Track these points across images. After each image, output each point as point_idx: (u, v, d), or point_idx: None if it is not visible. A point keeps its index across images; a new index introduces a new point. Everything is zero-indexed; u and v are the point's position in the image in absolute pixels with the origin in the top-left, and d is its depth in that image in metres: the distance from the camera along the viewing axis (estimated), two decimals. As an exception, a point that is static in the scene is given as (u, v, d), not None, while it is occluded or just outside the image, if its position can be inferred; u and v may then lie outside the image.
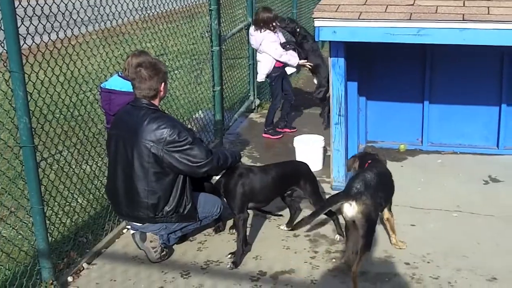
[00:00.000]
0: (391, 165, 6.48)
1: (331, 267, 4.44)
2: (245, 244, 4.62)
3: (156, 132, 4.24)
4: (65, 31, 4.54)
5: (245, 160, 6.78)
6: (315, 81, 7.84)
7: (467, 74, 6.71)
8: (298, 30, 7.72)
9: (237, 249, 4.54)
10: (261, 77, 7.68)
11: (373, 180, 4.29)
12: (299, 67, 7.93)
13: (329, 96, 6.10)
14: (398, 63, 6.84)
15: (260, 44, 7.45)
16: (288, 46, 7.57)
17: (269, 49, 7.41)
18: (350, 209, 4.12)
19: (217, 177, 4.66)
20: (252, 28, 7.58)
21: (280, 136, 7.60)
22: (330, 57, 5.54)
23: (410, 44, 5.30)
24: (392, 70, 6.88)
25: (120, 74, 4.96)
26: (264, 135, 7.61)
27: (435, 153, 6.82)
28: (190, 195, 4.49)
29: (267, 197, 4.79)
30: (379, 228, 5.02)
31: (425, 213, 5.32)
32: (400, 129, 7.02)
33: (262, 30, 7.39)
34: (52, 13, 4.44)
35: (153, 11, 6.22)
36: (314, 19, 5.27)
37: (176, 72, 7.99)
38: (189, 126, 6.92)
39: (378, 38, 5.25)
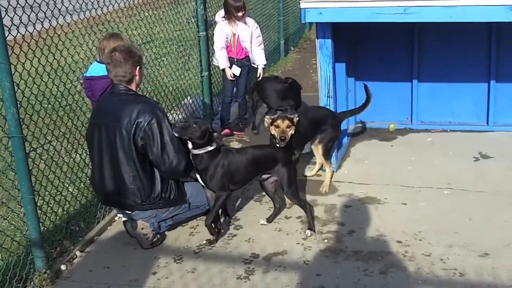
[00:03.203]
0: (381, 145, 6.56)
1: (323, 248, 4.45)
2: (216, 220, 4.64)
3: (135, 118, 4.21)
4: (50, 20, 4.51)
5: (235, 145, 6.79)
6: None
7: (455, 51, 6.71)
8: None
9: (207, 216, 4.56)
10: (222, 63, 6.95)
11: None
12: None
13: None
14: (386, 43, 6.84)
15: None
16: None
17: (215, 36, 6.92)
18: None
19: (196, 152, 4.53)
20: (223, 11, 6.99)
21: (245, 131, 7.15)
22: (317, 38, 5.53)
23: (397, 23, 5.30)
24: (380, 50, 6.88)
25: (98, 60, 4.96)
26: (223, 132, 6.99)
27: (425, 132, 6.84)
28: (176, 183, 4.49)
29: (243, 179, 4.72)
30: (372, 207, 5.06)
31: (416, 191, 5.34)
32: (389, 108, 7.03)
33: (221, 17, 6.93)
34: (36, 3, 4.41)
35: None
36: (300, 1, 5.25)
37: (163, 59, 7.95)
38: (178, 112, 6.92)
39: (364, 18, 5.24)
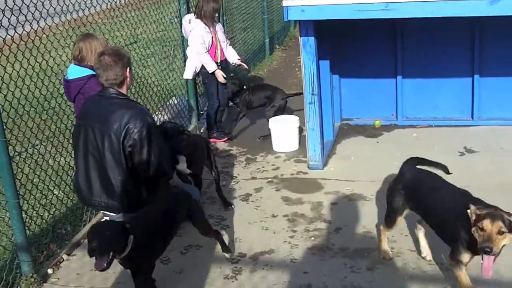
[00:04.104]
0: (367, 141, 6.57)
1: (310, 245, 4.46)
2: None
3: (126, 124, 4.19)
4: (30, 23, 4.49)
5: (222, 144, 6.79)
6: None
7: (439, 47, 6.74)
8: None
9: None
10: (187, 73, 6.84)
11: None
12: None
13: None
14: (370, 40, 6.86)
15: (189, 35, 6.74)
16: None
17: (193, 41, 6.65)
18: None
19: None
20: (192, 15, 6.76)
21: (226, 138, 6.94)
22: (300, 36, 5.54)
23: (380, 19, 5.32)
24: (364, 47, 6.90)
25: (75, 63, 4.94)
26: (211, 140, 6.74)
27: (410, 127, 6.87)
28: (163, 184, 4.48)
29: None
30: (358, 204, 5.07)
31: (402, 187, 5.35)
32: (374, 105, 7.05)
33: (195, 19, 6.65)
34: (17, 6, 4.38)
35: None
36: (282, -1, 5.26)
37: (148, 60, 7.94)
38: (163, 112, 6.90)
39: (346, 15, 5.25)
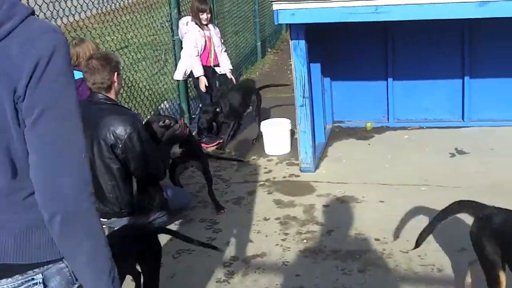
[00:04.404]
0: (358, 144, 6.59)
1: (302, 248, 4.47)
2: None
3: (115, 130, 4.19)
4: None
5: (213, 148, 6.79)
6: None
7: (429, 49, 6.77)
8: None
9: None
10: (177, 74, 6.87)
11: None
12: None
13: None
14: (361, 42, 6.89)
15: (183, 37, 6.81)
16: None
17: (186, 43, 6.69)
18: None
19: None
20: (190, 18, 6.81)
21: (217, 143, 6.82)
22: (291, 39, 5.55)
23: (370, 22, 5.34)
24: (355, 50, 6.93)
25: None
26: (201, 144, 6.34)
27: (402, 129, 6.89)
28: (155, 189, 4.49)
29: None
30: (350, 206, 5.09)
31: (393, 189, 5.38)
32: (366, 107, 7.08)
33: (191, 22, 6.71)
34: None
35: (110, 4, 6.17)
36: (272, 3, 5.27)
37: (139, 64, 7.94)
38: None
39: (337, 18, 5.26)
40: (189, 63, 6.67)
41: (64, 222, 1.67)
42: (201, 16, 6.60)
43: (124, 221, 4.44)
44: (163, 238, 4.74)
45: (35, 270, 1.77)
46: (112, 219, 4.42)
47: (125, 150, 4.20)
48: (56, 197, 1.66)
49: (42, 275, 1.78)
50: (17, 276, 1.75)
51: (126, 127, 4.18)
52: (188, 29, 6.69)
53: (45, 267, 1.78)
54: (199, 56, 6.65)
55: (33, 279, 1.77)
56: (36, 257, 1.76)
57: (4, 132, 1.63)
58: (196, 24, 6.64)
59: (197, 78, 6.69)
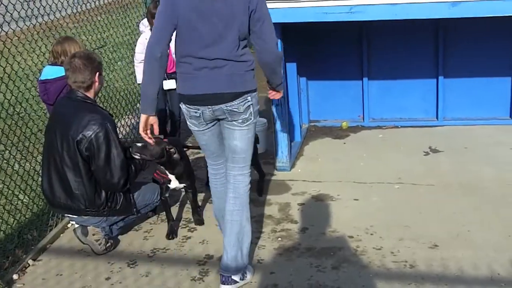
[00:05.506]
0: (334, 143, 6.64)
1: (277, 246, 4.49)
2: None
3: (84, 127, 4.20)
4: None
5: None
6: None
7: (404, 48, 6.83)
8: None
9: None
10: (139, 78, 6.16)
11: None
12: None
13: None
14: (336, 42, 6.93)
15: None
16: None
17: (136, 48, 6.28)
18: None
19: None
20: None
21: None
22: (266, 39, 5.56)
23: (345, 22, 5.38)
24: (330, 50, 6.96)
25: (50, 64, 4.93)
26: None
27: (377, 128, 6.95)
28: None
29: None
30: (325, 204, 5.12)
31: (368, 187, 5.42)
32: (341, 107, 7.12)
33: (147, 25, 6.25)
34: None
35: (86, 3, 6.14)
36: (248, 2, 5.28)
37: (115, 64, 7.91)
38: (130, 116, 6.88)
39: (311, 18, 5.30)
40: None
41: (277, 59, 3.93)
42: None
43: (97, 219, 4.43)
44: (138, 237, 4.75)
45: (248, 94, 3.79)
46: (84, 217, 4.41)
47: (89, 148, 4.20)
48: (266, 47, 3.77)
49: (251, 97, 3.80)
50: (240, 98, 3.75)
51: (94, 126, 4.20)
52: (142, 31, 6.39)
53: (253, 93, 3.82)
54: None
55: (247, 99, 3.79)
56: (248, 87, 3.78)
57: (242, 25, 3.64)
58: (151, 29, 5.98)
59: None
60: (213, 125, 3.92)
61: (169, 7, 3.65)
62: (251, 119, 3.83)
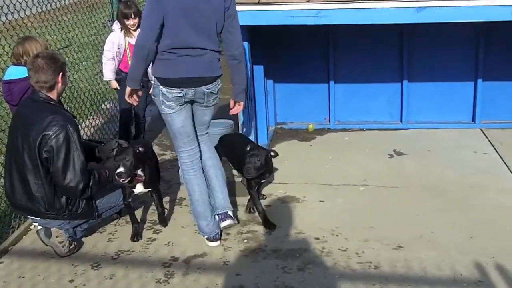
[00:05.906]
0: (300, 145, 6.67)
1: (243, 248, 4.49)
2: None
3: (44, 128, 4.14)
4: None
5: (156, 149, 6.73)
6: None
7: (370, 53, 6.90)
8: None
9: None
10: (106, 75, 6.34)
11: None
12: None
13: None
14: (303, 45, 6.96)
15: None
16: None
17: (106, 45, 6.28)
18: None
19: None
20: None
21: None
22: (233, 41, 5.57)
23: (312, 26, 5.42)
24: (298, 53, 6.99)
25: (14, 64, 4.85)
26: None
27: (343, 131, 7.00)
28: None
29: None
30: (291, 206, 5.14)
31: (333, 189, 5.46)
32: (308, 109, 7.16)
33: (116, 24, 6.31)
34: None
35: (51, 2, 6.06)
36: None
37: (80, 64, 7.82)
38: (95, 117, 6.80)
39: (278, 21, 5.34)
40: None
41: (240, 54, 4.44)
42: (126, 22, 6.10)
43: (60, 221, 4.36)
44: (102, 239, 4.70)
45: (219, 78, 4.40)
46: (47, 219, 4.35)
47: (48, 150, 4.14)
48: (234, 39, 4.40)
49: (220, 80, 4.40)
50: (216, 81, 4.37)
51: (54, 127, 4.13)
52: (112, 30, 6.35)
53: (220, 77, 4.40)
54: (112, 60, 6.21)
55: (219, 82, 4.40)
56: (220, 72, 4.37)
57: (219, 20, 4.23)
58: (122, 29, 6.17)
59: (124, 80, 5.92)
60: (188, 105, 4.39)
61: (155, 10, 4.08)
62: (218, 97, 4.50)
